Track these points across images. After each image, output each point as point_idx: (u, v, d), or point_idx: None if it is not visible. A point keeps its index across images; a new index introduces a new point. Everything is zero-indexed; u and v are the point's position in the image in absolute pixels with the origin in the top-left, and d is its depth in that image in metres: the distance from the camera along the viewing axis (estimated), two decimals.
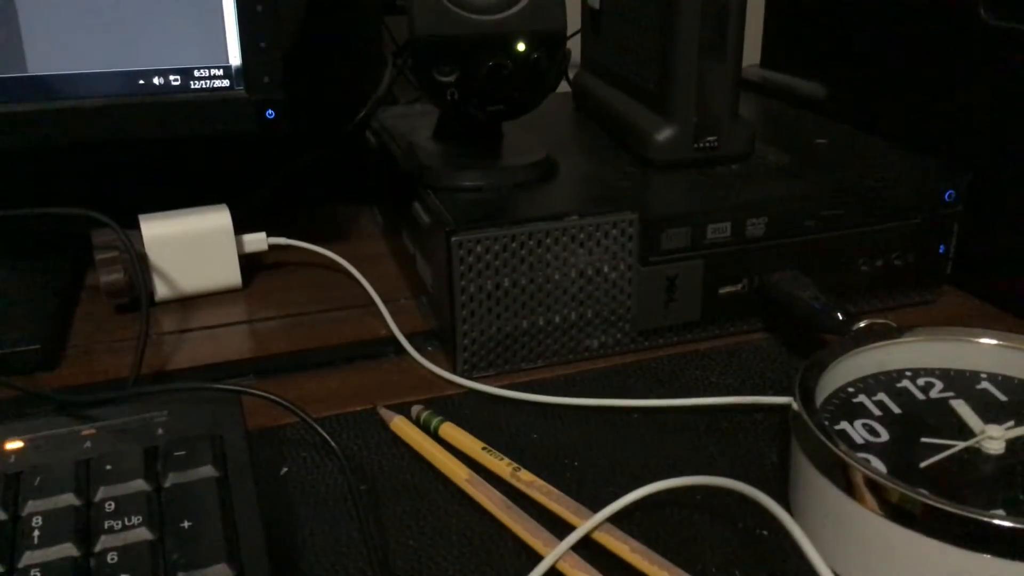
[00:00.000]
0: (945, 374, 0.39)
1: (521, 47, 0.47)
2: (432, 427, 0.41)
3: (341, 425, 0.42)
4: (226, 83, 0.51)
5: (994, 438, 0.34)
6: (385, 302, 0.54)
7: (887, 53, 0.59)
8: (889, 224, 0.50)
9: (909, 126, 0.57)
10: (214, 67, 0.50)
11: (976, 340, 0.40)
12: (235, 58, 0.50)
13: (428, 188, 0.49)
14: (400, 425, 0.41)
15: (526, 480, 0.37)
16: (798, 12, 0.69)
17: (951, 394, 0.38)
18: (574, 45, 0.69)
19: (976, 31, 0.51)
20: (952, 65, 0.54)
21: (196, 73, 0.50)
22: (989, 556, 0.29)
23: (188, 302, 0.56)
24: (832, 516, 0.33)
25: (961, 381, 0.39)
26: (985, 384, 0.39)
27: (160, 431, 0.35)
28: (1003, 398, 0.38)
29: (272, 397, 0.37)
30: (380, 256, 0.61)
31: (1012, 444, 0.34)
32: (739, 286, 0.49)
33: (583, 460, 0.40)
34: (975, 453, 0.34)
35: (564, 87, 0.75)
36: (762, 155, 0.55)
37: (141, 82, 0.50)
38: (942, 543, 0.30)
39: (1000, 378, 0.39)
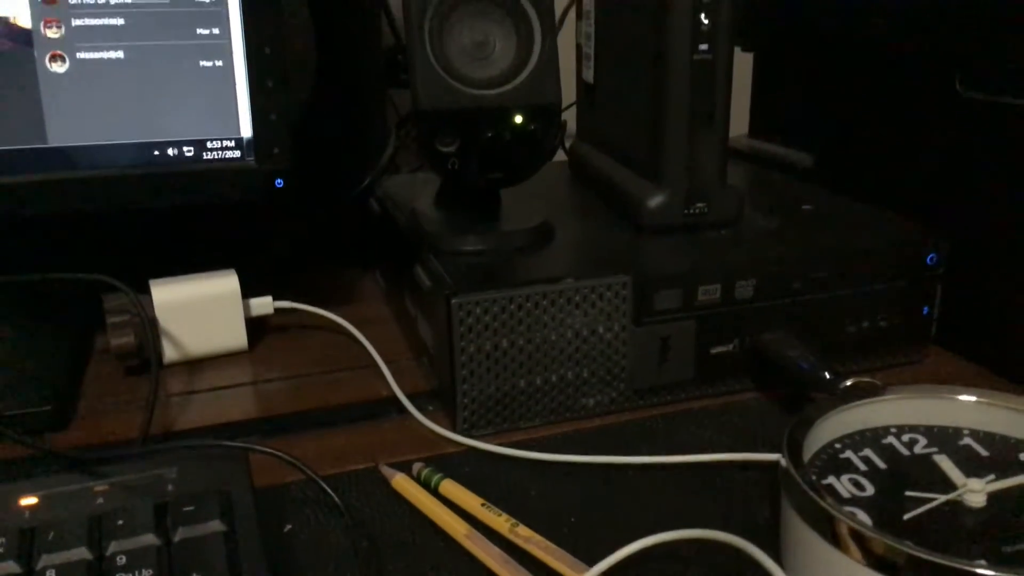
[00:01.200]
0: (929, 430, 0.41)
1: (519, 119, 0.50)
2: (432, 484, 0.42)
3: (344, 483, 0.43)
4: (237, 154, 0.53)
5: (975, 491, 0.35)
6: (387, 363, 0.55)
7: (870, 123, 0.61)
8: (874, 287, 0.52)
9: (892, 192, 0.60)
10: (226, 139, 0.52)
11: (958, 398, 0.41)
12: (246, 130, 0.53)
13: (430, 252, 0.51)
14: (401, 482, 0.43)
15: (524, 536, 0.38)
16: (784, 84, 0.72)
17: (934, 449, 0.39)
18: (570, 116, 0.72)
19: (953, 103, 0.54)
20: (932, 134, 0.56)
21: (209, 144, 0.52)
22: None
23: (195, 364, 0.57)
24: (820, 567, 0.34)
25: (944, 437, 0.40)
26: (967, 440, 0.40)
27: (170, 487, 0.37)
28: (984, 453, 0.39)
29: (279, 454, 0.38)
30: (382, 319, 0.63)
31: (993, 497, 0.36)
32: (731, 346, 0.51)
33: (580, 516, 0.41)
34: (957, 506, 0.35)
35: (560, 155, 0.77)
36: (750, 220, 0.57)
37: (156, 153, 0.52)
38: None
39: (982, 434, 0.40)
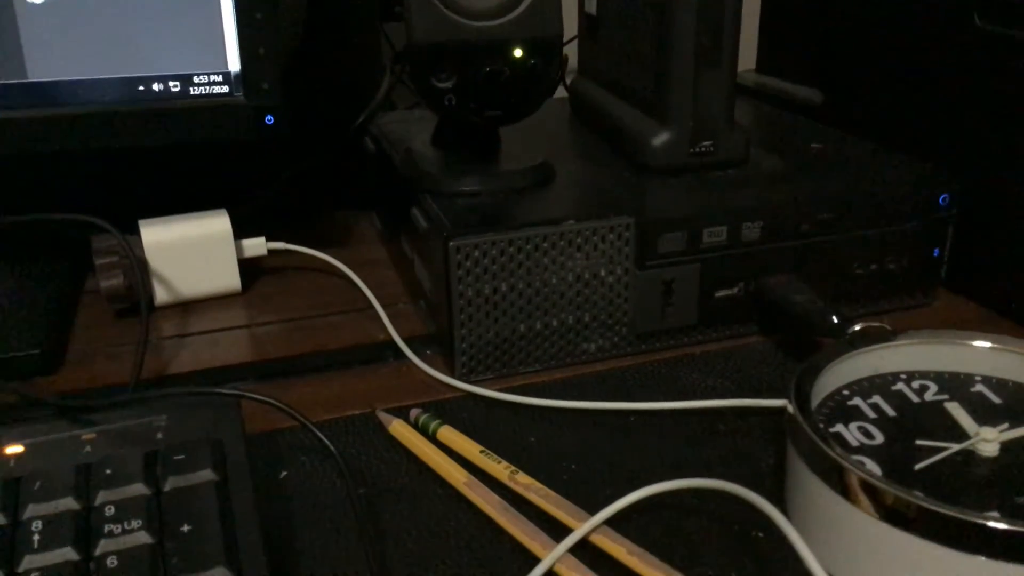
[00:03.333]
0: (939, 377, 0.40)
1: (518, 53, 0.48)
2: (430, 430, 0.42)
3: (340, 429, 0.43)
4: (225, 89, 0.51)
5: (988, 440, 0.35)
6: (384, 306, 0.54)
7: (881, 58, 0.59)
8: (884, 228, 0.51)
9: (904, 131, 0.58)
10: (213, 73, 0.50)
11: (970, 343, 0.40)
12: (234, 64, 0.51)
13: (426, 193, 0.50)
14: (398, 428, 0.42)
15: (524, 483, 0.38)
16: (793, 18, 0.70)
17: (945, 397, 0.38)
18: (571, 51, 0.70)
19: (970, 37, 0.52)
20: (946, 70, 0.54)
21: (195, 79, 0.50)
22: (983, 558, 0.29)
23: (187, 307, 0.56)
24: (827, 518, 0.33)
25: (955, 384, 0.39)
26: (979, 387, 0.39)
27: (160, 435, 0.36)
28: (997, 401, 0.38)
29: (271, 401, 0.37)
30: (379, 261, 0.62)
31: (1006, 446, 0.35)
32: (735, 290, 0.49)
33: (580, 463, 0.40)
34: (969, 455, 0.35)
35: (561, 92, 0.75)
36: (757, 160, 0.55)
37: (141, 88, 0.50)
38: (937, 545, 0.30)
39: (994, 381, 0.39)
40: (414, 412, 0.43)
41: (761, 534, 0.35)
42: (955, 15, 0.53)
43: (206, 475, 0.34)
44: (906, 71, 0.57)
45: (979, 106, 0.52)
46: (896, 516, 0.30)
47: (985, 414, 0.37)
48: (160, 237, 0.54)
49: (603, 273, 0.47)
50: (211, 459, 0.34)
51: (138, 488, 0.33)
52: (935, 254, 0.52)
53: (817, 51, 0.67)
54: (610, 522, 0.35)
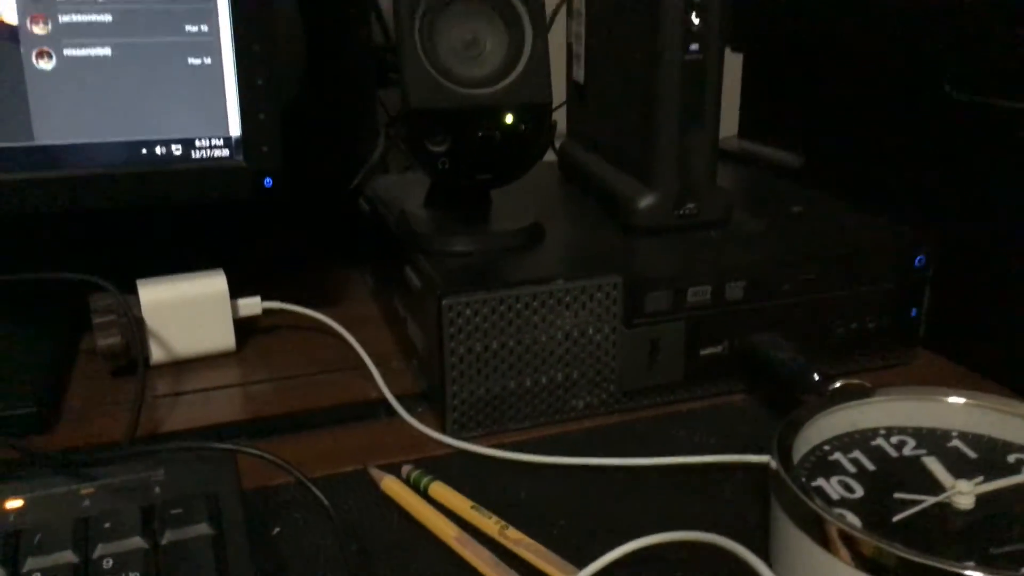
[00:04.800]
0: (917, 432, 0.41)
1: (509, 119, 0.50)
2: (422, 486, 0.42)
3: (332, 485, 0.43)
4: (226, 153, 0.53)
5: (964, 493, 0.36)
6: (376, 364, 0.55)
7: (859, 123, 0.62)
8: (862, 288, 0.52)
9: (882, 194, 0.60)
10: (215, 138, 0.52)
11: (947, 399, 0.41)
12: (235, 129, 0.52)
13: (419, 253, 0.51)
14: (391, 485, 0.42)
15: (514, 538, 0.38)
16: (773, 85, 0.73)
17: (923, 451, 0.39)
18: (560, 116, 0.72)
19: (941, 103, 0.54)
20: (920, 135, 0.56)
21: (197, 143, 0.52)
22: None
23: (183, 365, 0.57)
24: (810, 569, 0.34)
25: (932, 439, 0.40)
26: (956, 441, 0.40)
27: (157, 490, 0.36)
28: (973, 455, 0.39)
29: (267, 456, 0.38)
30: (371, 320, 0.63)
31: (981, 499, 0.36)
32: (720, 348, 0.51)
33: (570, 518, 0.41)
34: (946, 508, 0.36)
35: (551, 156, 0.77)
36: (740, 221, 0.57)
37: (144, 151, 0.51)
38: None
39: (970, 436, 0.40)
40: (406, 468, 0.44)
41: None
42: (926, 83, 0.55)
43: (202, 529, 0.34)
44: (883, 136, 0.60)
45: (952, 169, 0.54)
46: (876, 567, 0.31)
47: (961, 468, 0.38)
48: (158, 296, 0.55)
49: (591, 331, 0.48)
50: (207, 513, 0.35)
51: (136, 541, 0.33)
52: (913, 314, 0.54)
53: (797, 117, 0.69)
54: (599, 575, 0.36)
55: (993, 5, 0.50)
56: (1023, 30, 0.49)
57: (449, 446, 0.47)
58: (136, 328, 0.52)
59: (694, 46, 0.51)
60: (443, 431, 0.48)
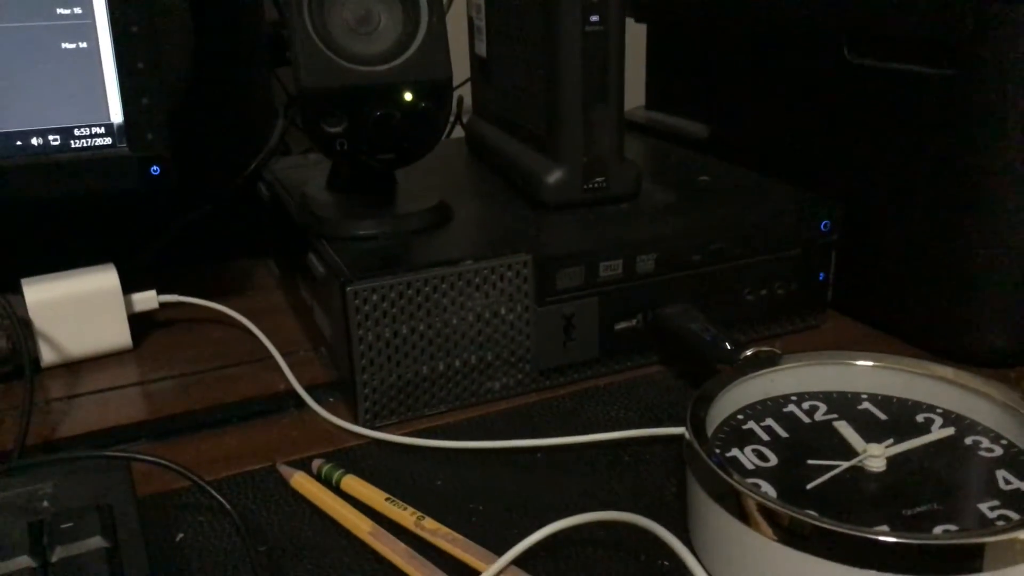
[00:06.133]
0: (828, 396, 0.41)
1: (408, 96, 0.48)
2: (334, 481, 0.41)
3: (239, 485, 0.41)
4: (108, 141, 0.50)
5: (875, 456, 0.36)
6: (283, 355, 0.53)
7: (763, 93, 0.62)
8: (770, 255, 0.53)
9: (786, 162, 0.60)
10: (95, 125, 0.49)
11: (855, 362, 0.42)
12: (116, 116, 0.49)
13: (322, 239, 0.49)
14: (301, 481, 0.41)
15: (430, 528, 0.37)
16: (678, 55, 0.72)
17: (834, 416, 0.40)
18: (466, 92, 0.71)
19: (841, 69, 0.54)
20: (822, 102, 0.57)
21: (76, 132, 0.49)
22: (875, 572, 0.30)
23: (76, 366, 0.54)
24: (728, 542, 0.34)
25: (843, 403, 0.41)
26: (866, 404, 0.41)
27: (45, 503, 0.34)
28: (883, 417, 0.40)
29: (161, 462, 0.36)
30: (277, 309, 0.60)
31: (892, 461, 0.36)
32: (634, 321, 0.50)
33: (488, 504, 0.40)
34: (859, 472, 0.36)
35: (460, 132, 0.76)
36: (649, 194, 0.56)
37: (19, 143, 0.48)
38: (832, 562, 0.31)
39: (879, 398, 0.41)
40: (316, 463, 0.42)
41: (667, 563, 0.36)
42: (827, 50, 0.55)
43: (96, 543, 0.32)
44: (785, 104, 0.60)
45: (853, 135, 0.55)
46: (792, 537, 0.31)
47: (872, 431, 0.38)
48: (44, 295, 0.52)
49: (503, 311, 0.47)
50: (100, 526, 0.33)
51: (23, 560, 0.31)
52: (821, 278, 0.55)
53: (702, 87, 0.69)
54: (518, 562, 0.35)
55: None
56: None
57: (362, 436, 0.45)
58: (22, 330, 0.49)
59: (594, 17, 0.50)
60: (355, 421, 0.46)
